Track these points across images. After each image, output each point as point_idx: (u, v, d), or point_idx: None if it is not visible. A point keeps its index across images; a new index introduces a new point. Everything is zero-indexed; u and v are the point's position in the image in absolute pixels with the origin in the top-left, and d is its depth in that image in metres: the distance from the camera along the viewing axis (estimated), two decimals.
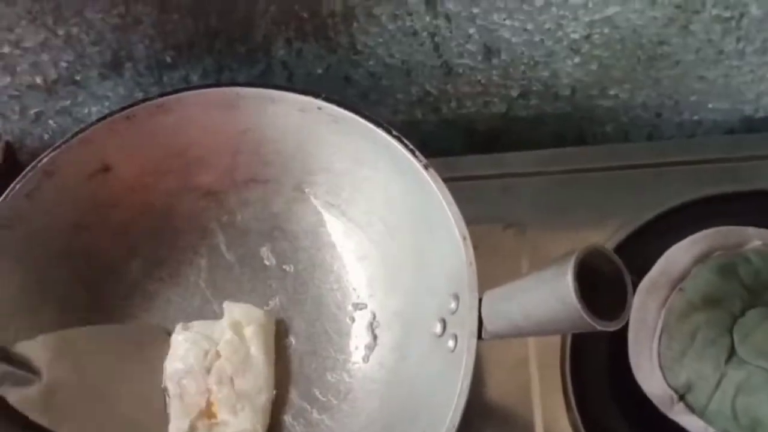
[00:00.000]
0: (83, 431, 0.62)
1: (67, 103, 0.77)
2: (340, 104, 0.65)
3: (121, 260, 0.70)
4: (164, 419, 0.64)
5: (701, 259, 0.63)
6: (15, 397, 0.59)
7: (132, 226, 0.71)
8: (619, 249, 0.67)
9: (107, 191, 0.69)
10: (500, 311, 0.53)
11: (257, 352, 0.65)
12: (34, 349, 0.61)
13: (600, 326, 0.46)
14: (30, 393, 0.60)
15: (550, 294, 0.48)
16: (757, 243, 0.64)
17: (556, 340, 0.66)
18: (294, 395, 0.66)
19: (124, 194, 0.70)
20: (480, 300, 0.54)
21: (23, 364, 0.60)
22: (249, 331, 0.66)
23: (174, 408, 0.65)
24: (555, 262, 0.48)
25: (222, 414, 0.63)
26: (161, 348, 0.67)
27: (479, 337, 0.54)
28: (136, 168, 0.69)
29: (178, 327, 0.67)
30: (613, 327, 0.46)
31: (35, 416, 0.60)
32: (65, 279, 0.67)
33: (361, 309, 0.68)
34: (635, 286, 0.63)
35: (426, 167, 0.60)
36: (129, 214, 0.70)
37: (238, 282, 0.71)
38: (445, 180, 0.60)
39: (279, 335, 0.68)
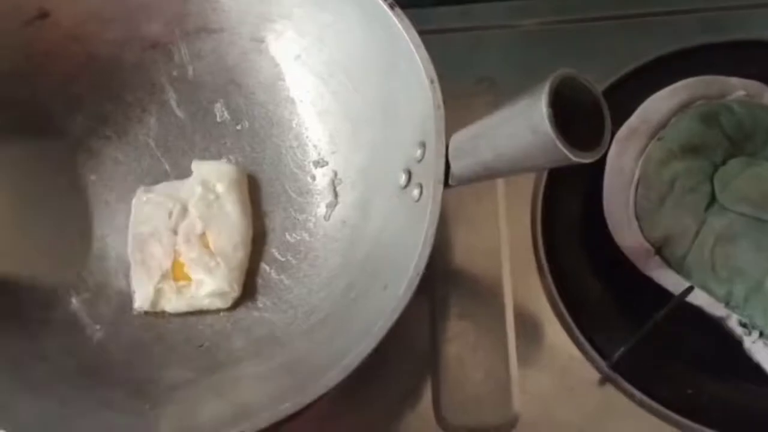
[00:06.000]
0: None
1: None
2: None
3: (63, 114, 0.65)
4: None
5: (682, 108, 0.60)
6: None
7: (74, 79, 0.65)
8: None
9: (46, 39, 0.64)
10: (468, 152, 0.49)
11: (233, 208, 0.62)
12: None
13: (575, 157, 0.42)
14: None
15: (522, 125, 0.44)
16: (740, 93, 0.61)
17: (527, 197, 0.63)
18: (251, 256, 0.63)
19: (64, 43, 0.64)
20: (447, 145, 0.51)
21: None
22: (221, 188, 0.63)
23: (137, 276, 0.61)
24: (527, 92, 0.44)
25: (195, 274, 0.60)
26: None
27: (446, 183, 0.51)
28: (76, 14, 0.64)
29: (140, 191, 0.64)
30: (589, 158, 0.43)
31: None
32: (2, 130, 0.63)
33: (322, 167, 0.64)
34: (613, 136, 0.60)
35: (392, 6, 0.56)
36: (70, 65, 0.65)
37: (189, 141, 0.66)
38: None
39: None
